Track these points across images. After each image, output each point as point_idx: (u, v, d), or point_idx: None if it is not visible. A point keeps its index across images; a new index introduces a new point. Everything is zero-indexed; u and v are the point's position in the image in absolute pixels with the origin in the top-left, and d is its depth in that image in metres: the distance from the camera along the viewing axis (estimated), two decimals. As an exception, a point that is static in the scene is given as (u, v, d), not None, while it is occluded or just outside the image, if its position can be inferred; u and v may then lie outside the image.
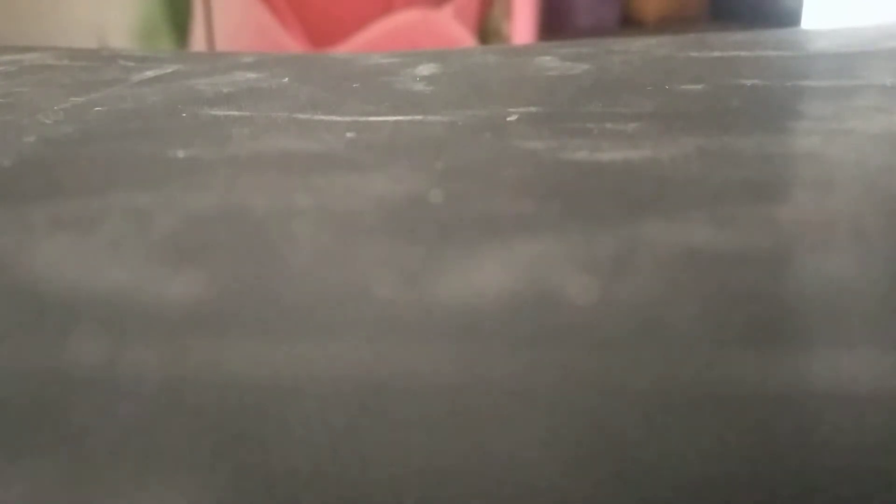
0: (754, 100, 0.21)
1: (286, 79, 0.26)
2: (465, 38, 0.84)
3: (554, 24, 1.00)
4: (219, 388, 0.09)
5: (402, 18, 0.80)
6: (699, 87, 0.23)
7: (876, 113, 0.19)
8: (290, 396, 0.09)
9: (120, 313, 0.11)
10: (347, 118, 0.20)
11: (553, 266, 0.12)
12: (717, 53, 0.28)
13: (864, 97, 0.21)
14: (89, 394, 0.09)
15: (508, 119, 0.20)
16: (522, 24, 0.88)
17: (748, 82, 0.23)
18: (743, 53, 0.28)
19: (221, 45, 0.73)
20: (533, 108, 0.21)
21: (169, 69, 0.28)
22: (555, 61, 0.28)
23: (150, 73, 0.27)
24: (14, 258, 0.12)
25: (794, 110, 0.21)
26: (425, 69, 0.27)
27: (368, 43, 0.78)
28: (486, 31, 0.86)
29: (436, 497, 0.07)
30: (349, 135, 0.19)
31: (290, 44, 0.75)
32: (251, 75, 0.26)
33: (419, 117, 0.20)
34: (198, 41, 0.72)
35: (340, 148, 0.18)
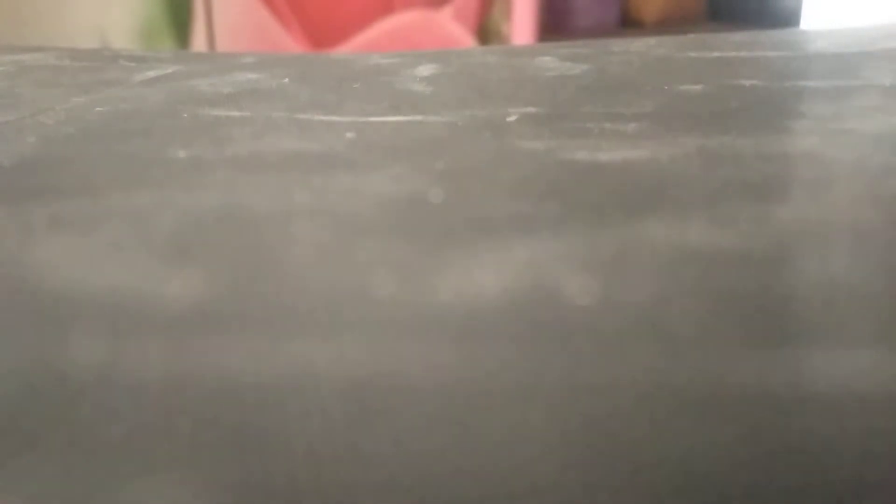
0: (754, 100, 0.21)
1: (286, 79, 0.26)
2: (464, 38, 0.84)
3: (553, 24, 1.00)
4: (220, 388, 0.09)
5: (403, 19, 0.80)
6: (698, 87, 0.23)
7: (875, 113, 0.20)
8: (290, 395, 0.09)
9: (121, 313, 0.11)
10: (348, 118, 0.20)
11: (553, 266, 0.12)
12: (716, 54, 0.28)
13: (863, 97, 0.21)
14: (91, 393, 0.09)
15: (508, 119, 0.20)
16: (522, 24, 0.89)
17: (747, 83, 0.23)
18: (742, 54, 0.28)
19: (222, 45, 0.73)
20: (532, 109, 0.21)
21: (170, 70, 0.28)
22: (554, 62, 0.28)
23: (151, 74, 0.27)
24: (15, 257, 0.12)
25: (794, 111, 0.21)
26: (425, 70, 0.27)
27: (369, 43, 0.78)
28: (486, 32, 0.86)
29: (436, 496, 0.07)
30: (349, 135, 0.19)
31: (291, 44, 0.75)
32: (252, 76, 0.27)
33: (419, 117, 0.20)
34: (199, 42, 0.72)
35: (341, 148, 0.18)
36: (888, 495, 0.07)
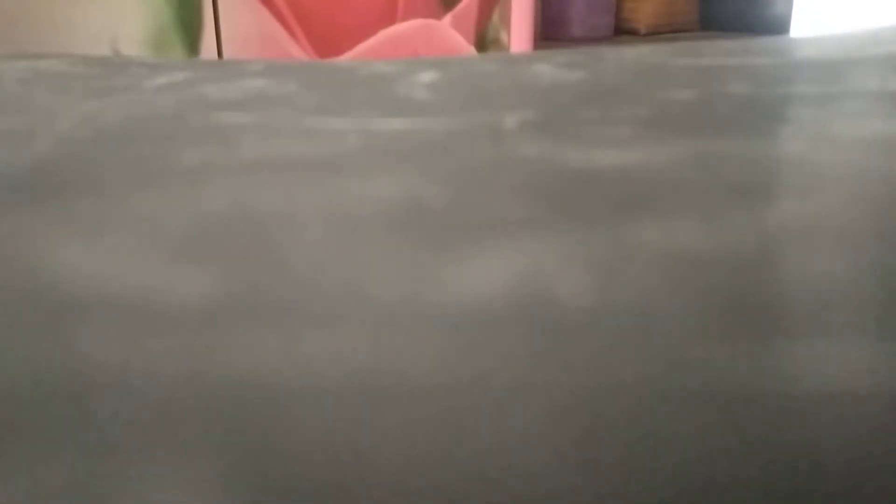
0: (744, 106, 0.22)
1: (293, 86, 0.26)
2: (464, 46, 0.84)
3: (550, 33, 1.01)
4: (228, 386, 0.09)
5: (405, 28, 0.80)
6: (690, 93, 0.23)
7: (862, 118, 0.20)
8: (298, 394, 0.09)
9: (133, 312, 0.11)
10: (352, 124, 0.21)
11: (550, 267, 0.12)
12: (707, 61, 0.28)
13: (850, 103, 0.21)
14: (103, 391, 0.09)
15: (506, 125, 0.20)
16: (520, 33, 0.89)
17: (738, 89, 0.23)
18: (732, 61, 0.28)
19: (229, 54, 0.73)
20: (530, 115, 0.21)
21: (180, 76, 0.28)
22: (551, 69, 0.28)
23: (161, 80, 0.27)
24: (31, 259, 0.13)
25: (783, 116, 0.21)
26: (426, 76, 0.27)
27: (372, 51, 0.78)
28: (485, 40, 0.86)
29: (435, 495, 0.07)
30: (354, 140, 0.19)
31: (297, 53, 0.76)
32: (259, 82, 0.27)
33: (421, 123, 0.21)
34: (207, 50, 0.72)
35: (345, 152, 0.18)
36: (882, 493, 0.07)
